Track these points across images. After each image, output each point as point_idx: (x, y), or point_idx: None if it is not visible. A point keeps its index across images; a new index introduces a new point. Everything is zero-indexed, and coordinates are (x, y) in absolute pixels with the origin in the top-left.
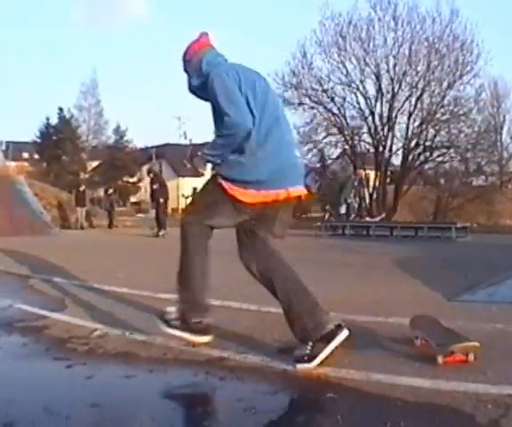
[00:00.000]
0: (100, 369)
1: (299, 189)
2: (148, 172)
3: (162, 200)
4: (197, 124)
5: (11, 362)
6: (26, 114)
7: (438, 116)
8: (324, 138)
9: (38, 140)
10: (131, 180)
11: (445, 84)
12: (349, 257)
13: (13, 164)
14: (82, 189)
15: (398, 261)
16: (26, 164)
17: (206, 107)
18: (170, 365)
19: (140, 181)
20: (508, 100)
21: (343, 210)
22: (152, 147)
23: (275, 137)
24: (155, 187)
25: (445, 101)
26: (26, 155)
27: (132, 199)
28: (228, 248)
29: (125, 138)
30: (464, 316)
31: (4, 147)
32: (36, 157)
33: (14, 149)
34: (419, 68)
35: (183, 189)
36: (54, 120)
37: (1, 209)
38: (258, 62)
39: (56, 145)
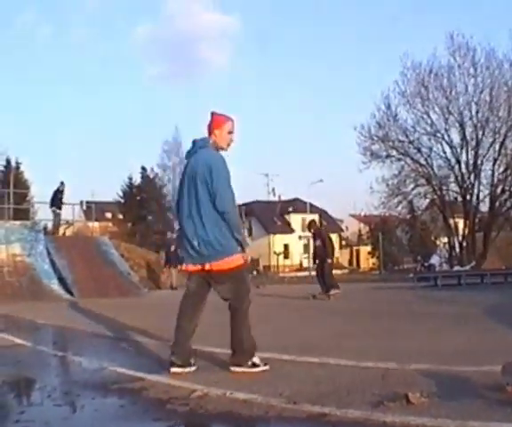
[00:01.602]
0: None
1: None
2: (309, 227)
3: (329, 261)
4: (285, 181)
5: (108, 424)
6: (106, 174)
7: None
8: (413, 189)
9: (121, 200)
10: None
11: None
12: (441, 307)
13: (96, 224)
14: (172, 248)
15: (490, 310)
16: (110, 224)
17: (294, 163)
18: (272, 423)
19: None
20: None
21: (433, 260)
22: (241, 204)
23: None
24: (317, 243)
25: None
26: (109, 215)
27: None
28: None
29: None
30: None
31: (84, 207)
32: (120, 216)
33: (96, 210)
34: (500, 114)
35: (274, 245)
36: (137, 180)
37: (86, 270)
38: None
39: (141, 205)
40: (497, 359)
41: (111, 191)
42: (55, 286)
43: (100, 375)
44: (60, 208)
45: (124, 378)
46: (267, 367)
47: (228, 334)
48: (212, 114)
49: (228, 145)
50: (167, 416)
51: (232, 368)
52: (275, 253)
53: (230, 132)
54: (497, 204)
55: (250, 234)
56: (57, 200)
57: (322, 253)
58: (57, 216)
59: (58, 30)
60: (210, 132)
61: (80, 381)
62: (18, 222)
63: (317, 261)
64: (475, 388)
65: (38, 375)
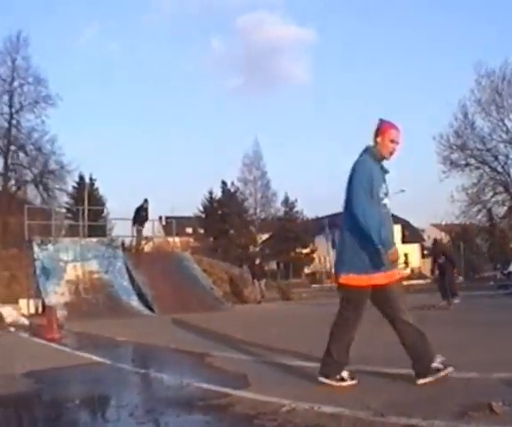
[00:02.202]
0: None
1: None
2: (435, 246)
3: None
4: None
5: None
6: (185, 189)
7: None
8: (492, 197)
9: (202, 215)
10: (304, 251)
11: None
12: None
13: (177, 239)
14: (258, 262)
15: None
16: (191, 239)
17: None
18: None
19: (313, 252)
20: None
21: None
22: (324, 217)
23: None
24: (440, 261)
25: None
26: (189, 230)
27: (306, 270)
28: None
29: (295, 209)
30: None
31: (163, 222)
32: (201, 231)
33: (177, 225)
34: None
35: None
36: (218, 194)
37: (166, 285)
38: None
39: (222, 219)
40: None
41: (190, 206)
42: (134, 302)
43: (184, 392)
44: (142, 225)
45: (209, 394)
46: (354, 382)
47: (313, 347)
48: (379, 120)
49: (391, 154)
50: None
51: (320, 379)
52: None
53: (393, 141)
54: None
55: (333, 246)
56: (140, 217)
57: (447, 268)
58: (140, 233)
59: (130, 46)
60: (374, 139)
61: (163, 398)
62: (94, 239)
63: (440, 275)
64: None
65: (119, 393)
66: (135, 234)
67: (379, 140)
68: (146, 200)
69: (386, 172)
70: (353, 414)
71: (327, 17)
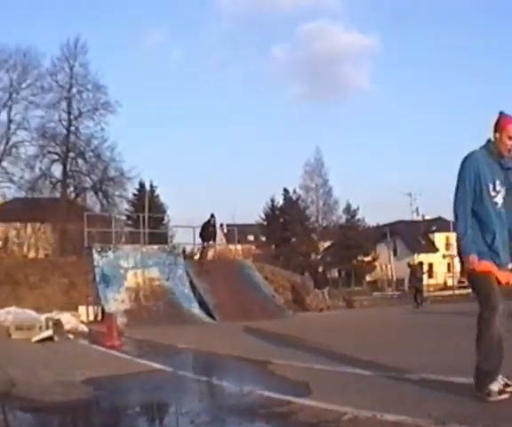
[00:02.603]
0: None
1: None
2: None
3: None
4: (429, 199)
5: None
6: (247, 197)
7: None
8: None
9: (264, 223)
10: (365, 258)
11: None
12: None
13: (239, 247)
14: (321, 270)
15: None
16: (252, 246)
17: (437, 181)
18: None
19: (374, 260)
20: None
21: None
22: (385, 225)
23: None
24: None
25: None
26: (251, 237)
27: (368, 278)
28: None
29: (357, 217)
30: None
31: (225, 230)
32: (263, 239)
33: (238, 232)
34: None
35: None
36: (279, 202)
37: (228, 293)
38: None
39: (284, 227)
40: None
41: (252, 214)
42: (196, 309)
43: (245, 400)
44: (209, 240)
45: (271, 402)
46: (505, 397)
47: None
48: (499, 114)
49: (509, 151)
50: None
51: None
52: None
53: (511, 138)
54: None
55: (395, 254)
56: (208, 233)
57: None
58: (205, 248)
59: (191, 53)
60: (493, 134)
61: (225, 406)
62: (155, 246)
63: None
64: None
65: (180, 401)
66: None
67: (496, 135)
68: (212, 215)
69: (508, 168)
70: (414, 421)
71: (390, 24)
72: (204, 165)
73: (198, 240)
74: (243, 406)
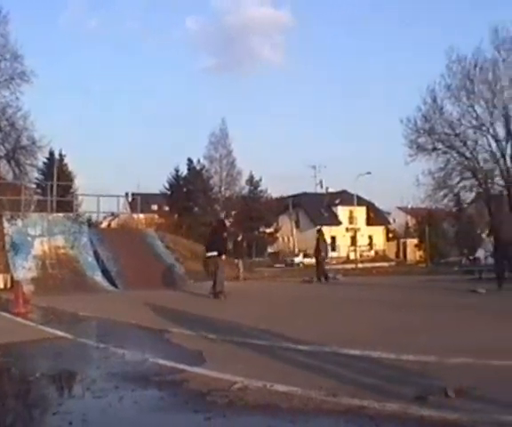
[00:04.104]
0: (240, 421)
1: None
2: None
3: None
4: (333, 173)
5: (146, 416)
6: (152, 166)
7: None
8: (459, 182)
9: (168, 192)
10: (268, 230)
11: None
12: (484, 301)
13: (142, 216)
14: (239, 238)
15: None
16: (155, 216)
17: (341, 156)
18: (311, 415)
19: (276, 231)
20: None
21: (479, 254)
22: (288, 196)
23: None
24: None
25: None
26: (155, 207)
27: (270, 249)
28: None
29: (260, 188)
30: None
31: (130, 199)
32: (166, 208)
33: (142, 202)
34: None
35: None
36: (184, 171)
37: (130, 262)
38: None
39: (187, 197)
40: None
41: (157, 184)
42: (99, 277)
43: (141, 367)
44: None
45: (165, 370)
46: None
47: (270, 325)
48: None
49: None
50: (207, 408)
51: None
52: None
53: None
54: None
55: (297, 226)
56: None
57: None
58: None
59: (107, 23)
60: None
61: (120, 373)
62: (61, 214)
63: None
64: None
65: (79, 368)
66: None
67: None
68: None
69: None
70: (305, 393)
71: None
72: (113, 134)
73: (102, 208)
74: (137, 374)
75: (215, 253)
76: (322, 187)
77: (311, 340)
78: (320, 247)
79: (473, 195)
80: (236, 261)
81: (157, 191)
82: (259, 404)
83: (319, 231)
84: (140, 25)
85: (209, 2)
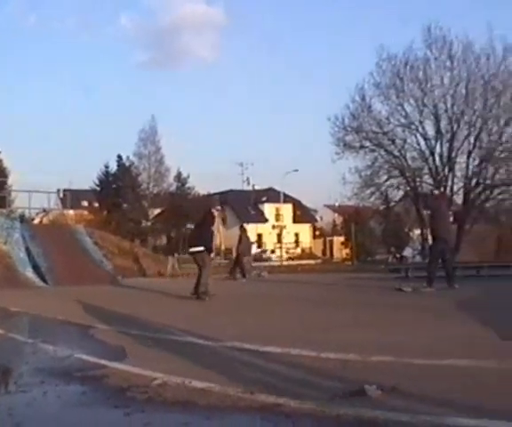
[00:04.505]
0: (158, 417)
1: None
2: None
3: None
4: (260, 170)
5: (69, 410)
6: (84, 162)
7: (497, 154)
8: (386, 180)
9: (97, 188)
10: None
11: (502, 121)
12: (408, 300)
13: (72, 212)
14: (172, 234)
15: (458, 303)
16: (85, 212)
17: (269, 153)
18: (227, 412)
19: None
20: None
21: (406, 252)
22: (215, 193)
23: None
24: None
25: (503, 139)
26: (85, 203)
27: None
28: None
29: (187, 185)
30: None
31: (61, 195)
32: (96, 205)
33: (73, 198)
34: (476, 107)
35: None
36: (113, 168)
37: (60, 258)
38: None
39: (116, 193)
40: (459, 353)
41: (89, 180)
42: (30, 273)
43: (66, 363)
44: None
45: (88, 365)
46: None
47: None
48: None
49: None
50: (126, 403)
51: None
52: None
53: None
54: (471, 196)
55: (224, 223)
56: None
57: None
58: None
59: (45, 20)
60: None
61: (47, 368)
62: None
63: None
64: (432, 382)
65: (7, 362)
66: None
67: None
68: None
69: None
70: (223, 390)
71: None
72: (48, 130)
73: (34, 204)
74: (62, 369)
75: (201, 249)
76: (249, 184)
77: (232, 337)
78: (242, 244)
79: (401, 193)
80: (170, 258)
81: (88, 188)
82: (177, 400)
83: (242, 228)
84: (76, 21)
85: None
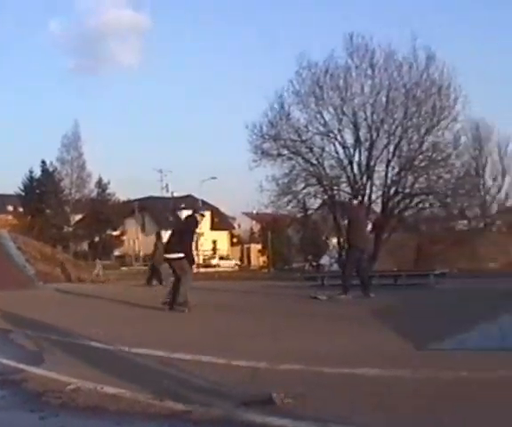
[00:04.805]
0: (70, 422)
1: None
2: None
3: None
4: (179, 177)
5: None
6: (9, 166)
7: (417, 162)
8: (304, 189)
9: (22, 193)
10: (114, 233)
11: (423, 130)
12: (322, 308)
13: None
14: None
15: (374, 311)
16: (10, 217)
17: (187, 159)
18: (137, 418)
19: (123, 234)
20: (490, 143)
21: (324, 260)
22: (135, 200)
23: None
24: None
25: (423, 148)
26: (10, 208)
27: (117, 252)
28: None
29: (108, 191)
30: (430, 364)
31: None
32: (21, 210)
33: None
34: (396, 116)
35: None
36: (38, 173)
37: None
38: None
39: (40, 198)
40: (373, 362)
41: (15, 185)
42: None
43: None
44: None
45: (8, 369)
46: None
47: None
48: None
49: None
50: (41, 408)
51: None
52: None
53: None
54: (390, 205)
55: (143, 230)
56: None
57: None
58: None
59: None
60: None
61: None
62: None
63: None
64: (343, 391)
65: None
66: None
67: None
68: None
69: None
70: (133, 396)
71: (161, 2)
72: None
73: None
74: None
75: (181, 256)
76: (168, 191)
77: (146, 343)
78: (158, 252)
79: (318, 201)
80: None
81: (13, 193)
82: (88, 405)
83: (158, 235)
84: (8, 27)
85: (73, 3)
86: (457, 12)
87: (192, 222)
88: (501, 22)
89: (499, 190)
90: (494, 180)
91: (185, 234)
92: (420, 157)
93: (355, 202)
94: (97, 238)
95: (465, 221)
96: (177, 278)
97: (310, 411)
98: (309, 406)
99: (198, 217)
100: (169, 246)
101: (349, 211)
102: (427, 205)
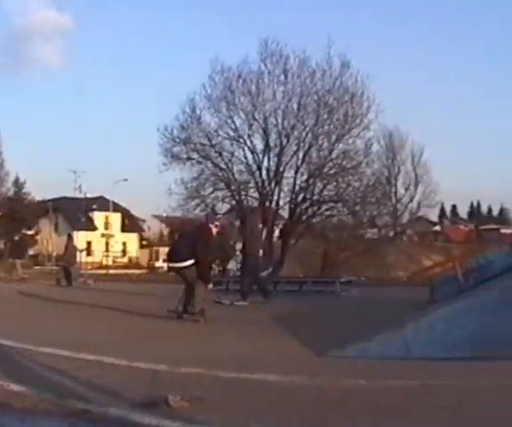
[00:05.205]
0: None
1: None
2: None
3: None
4: (93, 178)
5: None
6: None
7: (326, 170)
8: (212, 193)
9: None
10: (29, 232)
11: (334, 137)
12: (227, 312)
13: None
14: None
15: (277, 317)
16: None
17: (100, 160)
18: (39, 416)
19: (37, 234)
20: (403, 152)
21: (230, 265)
22: (49, 200)
23: None
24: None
25: (333, 155)
26: None
27: (31, 252)
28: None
29: (24, 190)
30: (329, 371)
31: None
32: None
33: None
34: (307, 122)
35: (78, 242)
36: None
37: None
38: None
39: None
40: (271, 367)
41: None
42: None
43: None
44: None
45: None
46: None
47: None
48: None
49: None
50: None
51: None
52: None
53: None
54: (297, 211)
55: (56, 230)
56: None
57: None
58: None
59: None
60: None
61: None
62: None
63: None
64: (238, 395)
65: None
66: None
67: None
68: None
69: None
70: (37, 394)
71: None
72: None
73: None
74: None
75: (190, 263)
76: (81, 192)
77: (51, 343)
78: (68, 252)
79: (226, 206)
80: (14, 261)
81: None
82: None
83: (69, 236)
84: None
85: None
86: (375, 26)
87: (205, 232)
88: (415, 36)
89: (411, 200)
90: (407, 189)
91: (198, 245)
92: (330, 164)
93: (253, 208)
94: (16, 238)
95: (375, 230)
96: (189, 286)
97: (205, 414)
98: (205, 410)
99: (212, 227)
100: (176, 255)
101: (248, 218)
102: (335, 212)
